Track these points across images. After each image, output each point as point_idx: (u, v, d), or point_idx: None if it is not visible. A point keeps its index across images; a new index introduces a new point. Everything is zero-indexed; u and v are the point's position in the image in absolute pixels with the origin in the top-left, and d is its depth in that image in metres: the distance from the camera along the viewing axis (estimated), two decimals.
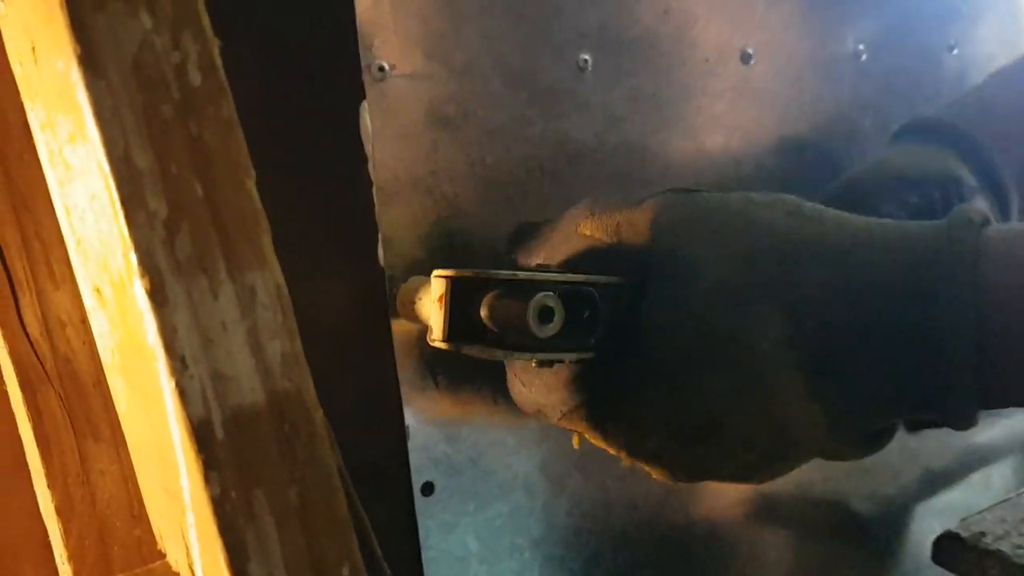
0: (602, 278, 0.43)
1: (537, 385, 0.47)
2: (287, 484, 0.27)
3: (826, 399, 0.41)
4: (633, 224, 0.45)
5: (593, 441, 0.47)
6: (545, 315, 0.39)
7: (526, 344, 0.40)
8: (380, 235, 0.50)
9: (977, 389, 0.39)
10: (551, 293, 0.39)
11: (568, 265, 0.47)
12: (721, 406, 0.43)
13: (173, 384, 0.25)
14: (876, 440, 0.45)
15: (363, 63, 0.49)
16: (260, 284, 0.27)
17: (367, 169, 0.50)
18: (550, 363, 0.42)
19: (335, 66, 0.49)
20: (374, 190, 0.50)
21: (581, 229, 0.47)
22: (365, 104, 0.49)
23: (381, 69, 0.50)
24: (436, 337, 0.41)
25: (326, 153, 0.49)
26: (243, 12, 0.46)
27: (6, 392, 0.42)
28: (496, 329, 0.40)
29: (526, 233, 0.51)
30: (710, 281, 0.42)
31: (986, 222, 0.41)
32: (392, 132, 0.50)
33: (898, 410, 0.43)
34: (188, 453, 0.26)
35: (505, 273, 0.41)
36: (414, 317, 0.47)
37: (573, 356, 0.42)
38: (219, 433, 0.26)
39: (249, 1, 0.46)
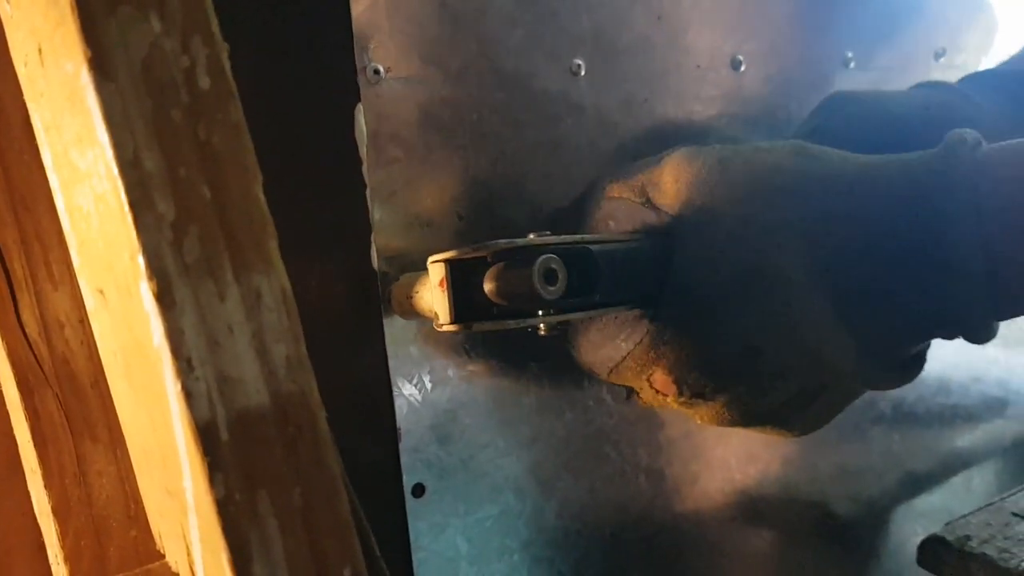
0: (603, 237, 0.46)
1: (584, 346, 0.51)
2: (291, 486, 0.27)
3: (852, 322, 0.45)
4: (655, 183, 0.49)
5: (642, 394, 0.51)
6: (550, 277, 0.40)
7: (535, 309, 0.41)
8: (373, 236, 0.50)
9: (989, 299, 0.42)
10: (553, 255, 0.40)
11: (601, 226, 0.51)
12: (756, 334, 0.46)
13: (179, 386, 0.25)
14: (908, 367, 0.49)
15: (358, 66, 0.49)
16: (266, 287, 0.27)
17: (361, 171, 0.50)
18: (562, 327, 0.43)
19: (330, 69, 0.49)
20: (368, 192, 0.50)
21: (608, 192, 0.52)
22: (360, 107, 0.49)
23: (376, 72, 0.50)
24: (444, 322, 0.41)
25: (321, 155, 0.49)
26: (239, 14, 0.46)
27: (1, 393, 0.42)
28: (503, 301, 0.40)
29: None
30: (733, 222, 0.45)
31: (979, 143, 0.44)
32: (386, 134, 0.51)
33: (922, 330, 0.46)
34: (193, 454, 0.26)
35: (502, 242, 0.41)
36: (412, 313, 0.48)
37: (581, 316, 0.44)
38: (224, 435, 0.26)
39: (245, 3, 0.46)
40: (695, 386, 0.48)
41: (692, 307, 0.47)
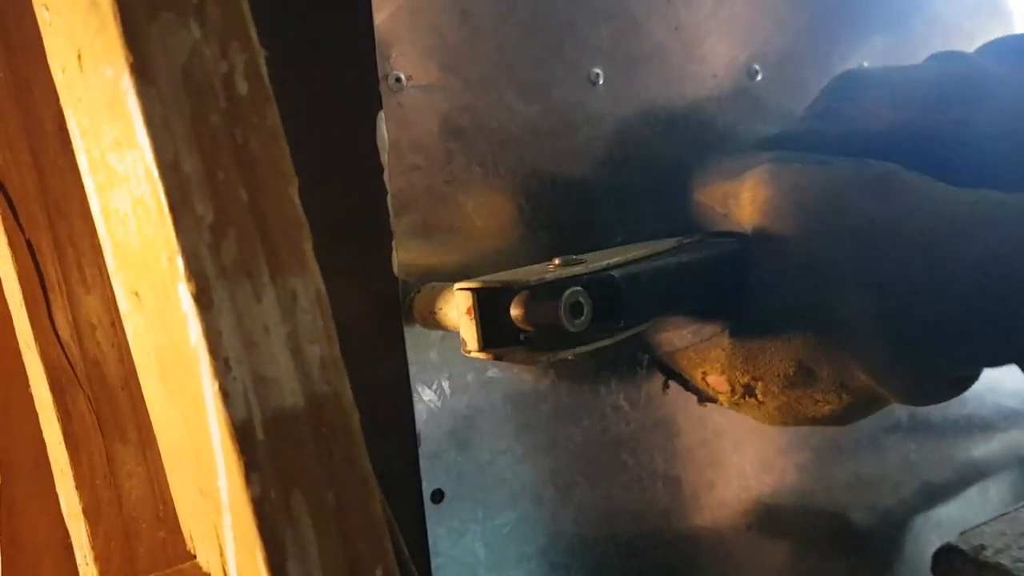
0: (630, 257, 0.46)
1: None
2: (325, 485, 0.28)
3: (912, 362, 0.45)
4: (736, 197, 0.50)
5: (691, 383, 0.54)
6: (576, 310, 0.40)
7: (562, 340, 0.41)
8: (394, 243, 0.51)
9: None
10: (579, 288, 0.41)
11: (684, 231, 0.53)
12: (812, 360, 0.47)
13: (216, 386, 0.26)
14: (961, 383, 0.50)
15: (380, 74, 0.50)
16: (301, 289, 0.28)
17: (383, 178, 0.50)
18: (587, 354, 0.43)
19: (353, 76, 0.49)
20: (389, 198, 0.51)
21: (696, 196, 0.54)
22: (382, 114, 0.50)
23: (398, 80, 0.50)
24: (472, 349, 0.42)
25: (343, 161, 0.50)
26: (262, 23, 0.46)
27: (30, 394, 0.43)
28: (530, 329, 0.41)
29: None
30: (798, 258, 0.46)
31: None
32: (408, 142, 0.51)
33: (984, 363, 0.47)
34: (229, 454, 0.26)
35: (529, 276, 0.42)
36: (435, 325, 0.48)
37: (608, 342, 0.44)
38: (260, 434, 0.26)
39: (269, 12, 0.47)
40: (747, 389, 0.50)
41: (756, 323, 0.48)
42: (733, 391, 0.50)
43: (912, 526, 0.78)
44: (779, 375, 0.49)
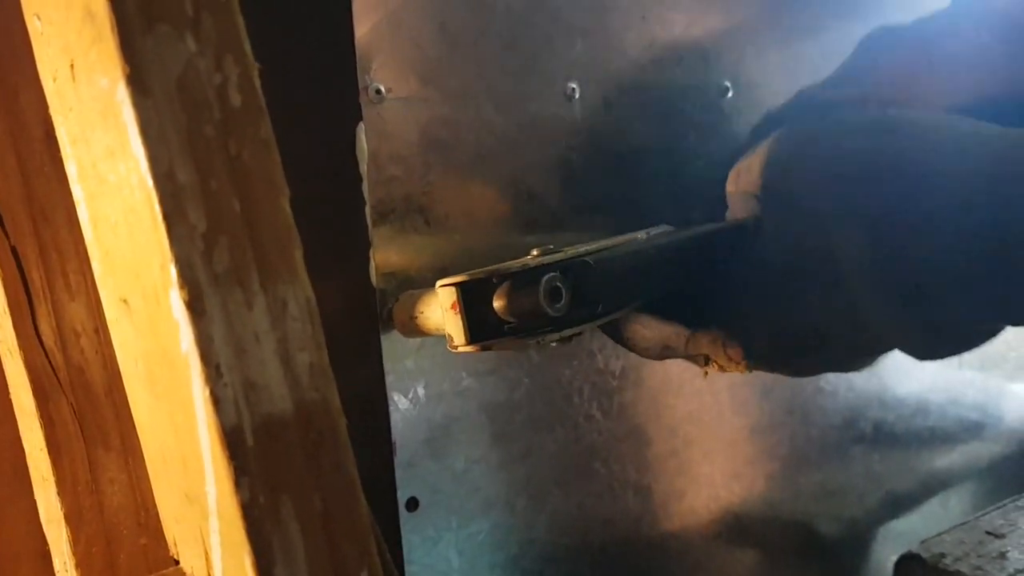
0: (607, 243, 0.48)
1: (654, 324, 0.52)
2: (312, 491, 0.28)
3: (923, 308, 0.42)
4: (749, 171, 0.52)
5: (718, 360, 0.52)
6: (554, 294, 0.42)
7: (544, 326, 0.42)
8: (372, 252, 0.51)
9: None
10: (555, 273, 0.42)
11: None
12: (822, 321, 0.46)
13: (208, 392, 0.26)
14: (987, 333, 0.46)
15: (360, 86, 0.50)
16: (291, 297, 0.28)
17: (362, 188, 0.51)
18: (570, 338, 0.44)
19: (333, 88, 0.50)
20: (368, 209, 0.51)
21: (727, 187, 0.55)
22: (362, 125, 0.50)
23: (378, 92, 0.51)
24: (459, 343, 0.43)
25: (323, 172, 0.50)
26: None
27: (8, 401, 0.43)
28: (512, 320, 0.41)
29: None
30: (803, 208, 0.46)
31: None
32: (387, 153, 0.51)
33: (995, 313, 0.43)
34: (218, 459, 0.27)
35: (508, 265, 0.43)
36: (417, 332, 0.48)
37: (590, 326, 0.45)
38: (249, 440, 0.27)
39: (249, 23, 0.47)
40: (763, 361, 0.49)
41: (763, 289, 0.48)
42: (749, 365, 0.49)
43: (876, 535, 0.80)
44: (793, 344, 0.48)
